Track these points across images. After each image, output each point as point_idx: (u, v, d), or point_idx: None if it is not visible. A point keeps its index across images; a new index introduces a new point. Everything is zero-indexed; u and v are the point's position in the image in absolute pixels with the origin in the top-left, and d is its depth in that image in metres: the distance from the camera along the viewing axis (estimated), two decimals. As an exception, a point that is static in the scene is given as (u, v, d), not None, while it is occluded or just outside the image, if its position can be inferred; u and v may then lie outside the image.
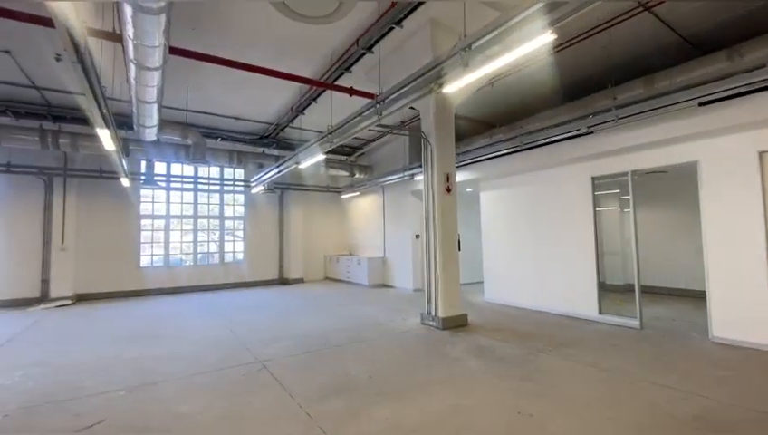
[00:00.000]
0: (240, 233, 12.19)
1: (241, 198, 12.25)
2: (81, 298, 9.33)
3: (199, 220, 11.61)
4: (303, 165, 8.35)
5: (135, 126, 6.93)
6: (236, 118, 9.56)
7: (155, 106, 5.88)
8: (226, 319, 7.02)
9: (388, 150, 11.52)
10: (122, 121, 7.64)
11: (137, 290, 10.08)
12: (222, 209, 11.99)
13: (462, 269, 6.38)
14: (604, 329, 5.83)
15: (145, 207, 10.67)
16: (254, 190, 11.41)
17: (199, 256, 11.52)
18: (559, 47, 5.87)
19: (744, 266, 4.87)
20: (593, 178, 6.55)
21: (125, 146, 8.08)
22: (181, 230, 11.29)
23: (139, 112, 6.13)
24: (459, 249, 6.35)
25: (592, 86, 6.43)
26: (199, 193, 11.59)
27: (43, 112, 8.12)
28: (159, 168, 10.77)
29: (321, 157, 7.72)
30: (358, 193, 12.49)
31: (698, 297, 7.88)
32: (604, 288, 6.50)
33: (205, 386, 3.82)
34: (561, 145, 6.68)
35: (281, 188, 12.20)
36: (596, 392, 3.53)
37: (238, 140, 10.53)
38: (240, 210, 12.25)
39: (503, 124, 7.68)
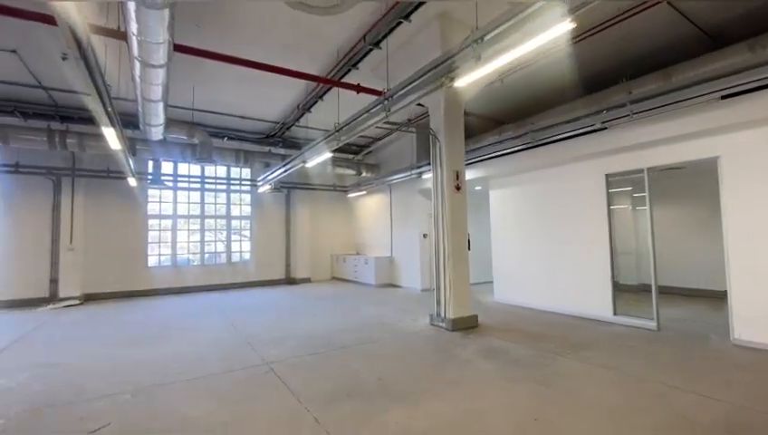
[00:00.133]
0: (247, 233, 12.16)
1: (248, 197, 12.22)
2: (89, 298, 9.35)
3: (206, 220, 11.61)
4: (310, 164, 8.28)
5: (141, 125, 6.89)
6: (242, 117, 9.52)
7: (160, 105, 5.84)
8: (233, 319, 6.96)
9: (396, 149, 11.41)
10: (129, 121, 7.62)
11: (144, 290, 10.08)
12: (229, 209, 11.97)
13: (471, 269, 6.25)
14: (619, 330, 5.66)
15: (152, 207, 10.67)
16: (261, 190, 11.37)
17: (206, 255, 11.51)
18: (572, 40, 5.70)
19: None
20: (607, 176, 6.38)
21: (132, 145, 8.07)
22: (188, 230, 11.29)
23: (145, 111, 6.09)
24: (469, 248, 6.22)
25: (605, 81, 6.27)
26: (206, 193, 11.58)
27: (51, 113, 8.13)
28: (166, 168, 10.79)
29: (327, 155, 7.63)
30: (365, 192, 12.41)
31: (715, 297, 7.68)
32: (617, 288, 6.33)
33: (211, 389, 3.74)
34: (573, 141, 6.51)
35: (287, 188, 12.14)
36: (617, 398, 3.38)
37: (245, 139, 10.49)
38: (247, 210, 12.22)
39: (512, 121, 7.54)
